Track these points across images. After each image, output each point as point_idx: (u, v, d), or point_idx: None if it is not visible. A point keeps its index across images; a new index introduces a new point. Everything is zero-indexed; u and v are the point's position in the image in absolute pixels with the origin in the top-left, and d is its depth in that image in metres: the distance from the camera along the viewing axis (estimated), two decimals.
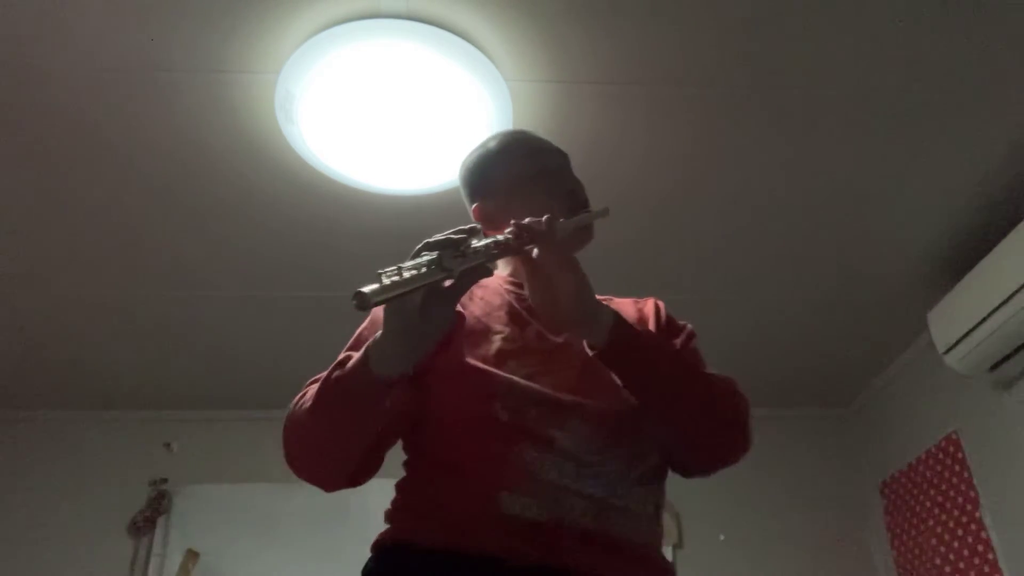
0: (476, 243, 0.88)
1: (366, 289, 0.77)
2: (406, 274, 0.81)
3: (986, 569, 2.40)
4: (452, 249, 0.85)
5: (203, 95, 1.78)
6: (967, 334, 2.25)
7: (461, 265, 0.85)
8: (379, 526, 1.02)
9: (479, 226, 0.92)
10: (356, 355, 0.90)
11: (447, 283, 0.85)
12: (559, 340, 1.05)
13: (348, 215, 2.15)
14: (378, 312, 1.07)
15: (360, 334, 1.09)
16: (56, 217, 2.11)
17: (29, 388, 2.90)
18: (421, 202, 2.11)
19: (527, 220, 0.94)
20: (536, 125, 1.90)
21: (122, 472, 2.94)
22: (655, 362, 0.98)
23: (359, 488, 1.05)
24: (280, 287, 2.45)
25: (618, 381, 0.98)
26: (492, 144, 1.23)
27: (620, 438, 0.99)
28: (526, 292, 0.99)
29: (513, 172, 1.18)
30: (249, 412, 3.10)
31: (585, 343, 0.97)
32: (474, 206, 1.19)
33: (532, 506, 0.91)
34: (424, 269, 0.82)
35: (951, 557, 2.57)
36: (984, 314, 2.16)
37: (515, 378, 0.98)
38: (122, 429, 3.04)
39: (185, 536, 2.82)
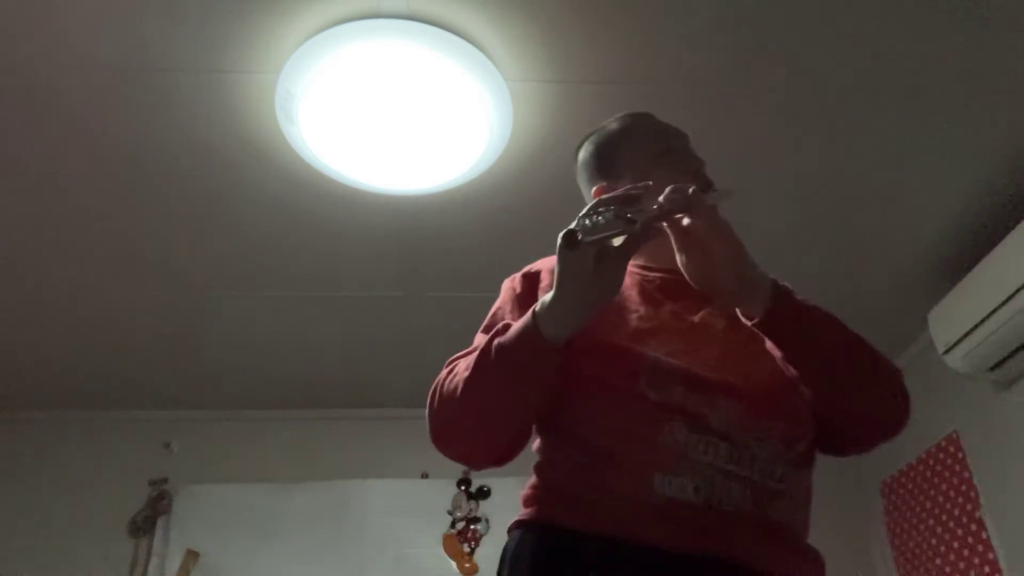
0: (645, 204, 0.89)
1: (574, 227, 0.81)
2: (600, 220, 0.83)
3: (986, 569, 2.40)
4: (629, 205, 0.86)
5: (203, 95, 1.78)
6: (967, 334, 2.25)
7: (640, 219, 0.85)
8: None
9: (651, 183, 0.91)
10: (518, 322, 0.89)
11: (617, 242, 0.85)
12: (695, 319, 1.03)
13: (348, 215, 2.15)
14: (511, 287, 1.08)
15: (495, 313, 1.07)
16: (55, 217, 2.11)
17: (29, 388, 2.90)
18: (421, 202, 2.11)
19: (675, 186, 0.92)
20: (536, 125, 1.90)
21: (122, 472, 2.94)
22: (819, 327, 0.96)
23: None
24: (280, 287, 2.45)
25: (771, 354, 0.95)
26: (614, 125, 1.21)
27: (773, 417, 0.94)
28: (680, 265, 0.96)
29: (639, 152, 1.15)
30: (249, 412, 3.10)
31: (740, 312, 0.94)
32: (596, 187, 1.16)
33: (687, 487, 0.87)
34: (613, 219, 0.84)
35: (951, 557, 2.57)
36: (984, 314, 2.16)
37: (659, 355, 0.95)
38: (122, 429, 3.04)
39: (185, 536, 2.82)
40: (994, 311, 2.13)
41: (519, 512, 0.97)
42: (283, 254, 2.30)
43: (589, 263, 0.84)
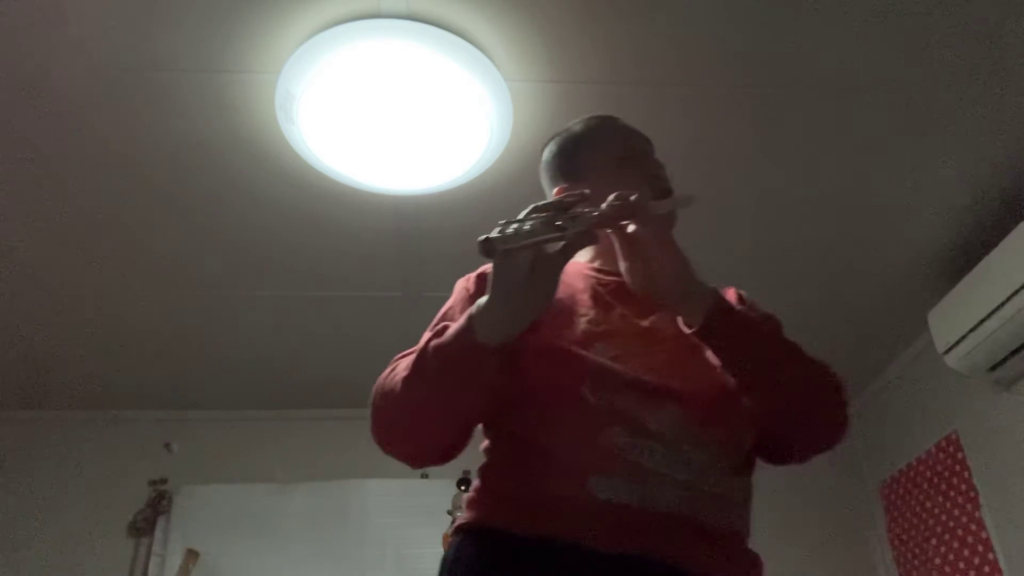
0: (581, 210, 0.88)
1: (493, 235, 0.78)
2: (525, 228, 0.81)
3: (986, 569, 2.40)
4: (563, 212, 0.85)
5: (203, 95, 1.78)
6: (967, 334, 2.25)
7: (573, 227, 0.84)
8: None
9: (588, 191, 0.91)
10: (455, 323, 0.89)
11: (554, 248, 0.84)
12: (645, 323, 1.04)
13: (348, 215, 2.15)
14: (464, 287, 1.08)
15: (446, 313, 1.07)
16: (55, 217, 2.11)
17: (29, 388, 2.90)
18: (421, 202, 2.11)
19: (618, 193, 0.92)
20: (536, 125, 1.90)
21: (122, 472, 2.94)
22: (756, 338, 0.97)
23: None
24: (280, 287, 2.45)
25: (714, 361, 0.96)
26: (577, 128, 1.22)
27: (713, 424, 0.96)
28: (622, 271, 0.97)
29: (600, 155, 1.17)
30: (249, 412, 3.10)
31: (681, 320, 0.95)
32: (557, 188, 1.17)
33: (622, 490, 0.89)
34: (540, 226, 0.82)
35: (951, 557, 2.57)
36: (984, 314, 2.16)
37: (604, 360, 0.96)
38: (122, 429, 3.04)
39: (185, 536, 2.82)
40: (994, 311, 2.13)
41: (462, 516, 0.98)
42: (283, 254, 2.30)
43: (522, 269, 0.83)
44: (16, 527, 2.82)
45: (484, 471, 1.00)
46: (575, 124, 1.23)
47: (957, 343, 2.30)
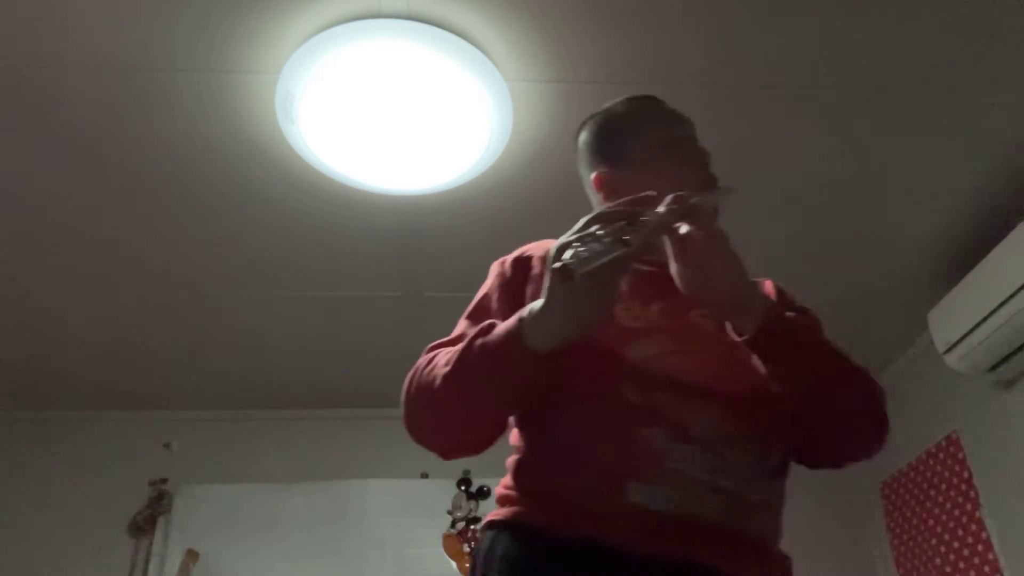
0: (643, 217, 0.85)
1: (568, 259, 0.77)
2: (595, 245, 0.79)
3: (986, 569, 2.40)
4: (629, 223, 0.82)
5: (203, 95, 1.78)
6: (967, 334, 2.25)
7: (637, 237, 0.81)
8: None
9: (653, 193, 0.87)
10: (504, 323, 0.87)
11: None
12: (684, 319, 1.00)
13: (348, 215, 2.15)
14: (500, 272, 1.04)
15: (482, 299, 1.04)
16: (56, 217, 2.11)
17: (29, 388, 2.90)
18: (421, 202, 2.11)
19: (676, 195, 0.88)
20: (536, 125, 1.90)
21: (122, 472, 2.94)
22: (805, 348, 0.94)
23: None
24: (280, 287, 2.45)
25: (760, 368, 0.93)
26: (619, 108, 1.15)
27: (754, 427, 0.93)
28: (673, 274, 0.92)
29: (644, 139, 1.09)
30: (249, 412, 3.10)
31: (729, 326, 0.92)
32: (595, 173, 1.10)
33: (661, 497, 0.86)
34: (608, 240, 0.80)
35: (951, 557, 2.57)
36: (984, 314, 2.16)
37: (645, 358, 0.93)
38: (122, 429, 3.04)
39: (185, 536, 2.82)
40: (994, 311, 2.13)
41: (494, 511, 0.96)
42: (283, 254, 2.30)
43: (580, 283, 0.80)
44: (16, 526, 2.82)
45: (518, 468, 0.97)
46: (615, 104, 1.16)
47: (957, 343, 2.30)
